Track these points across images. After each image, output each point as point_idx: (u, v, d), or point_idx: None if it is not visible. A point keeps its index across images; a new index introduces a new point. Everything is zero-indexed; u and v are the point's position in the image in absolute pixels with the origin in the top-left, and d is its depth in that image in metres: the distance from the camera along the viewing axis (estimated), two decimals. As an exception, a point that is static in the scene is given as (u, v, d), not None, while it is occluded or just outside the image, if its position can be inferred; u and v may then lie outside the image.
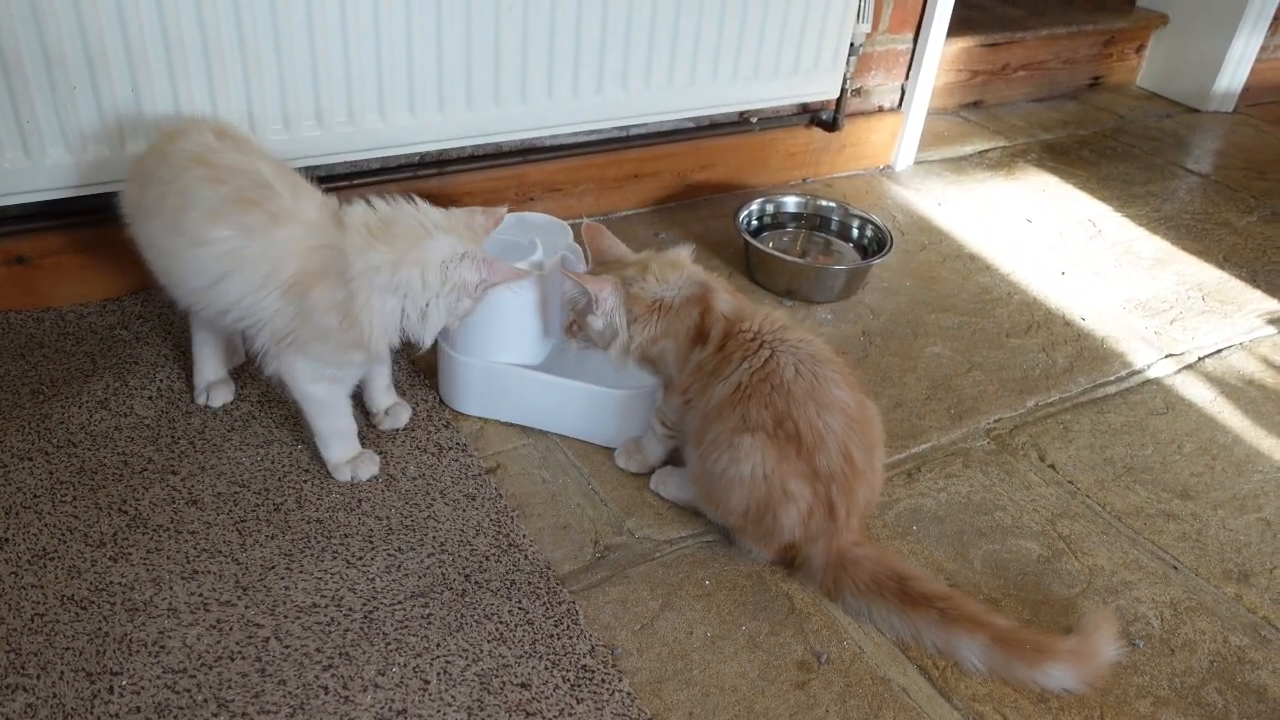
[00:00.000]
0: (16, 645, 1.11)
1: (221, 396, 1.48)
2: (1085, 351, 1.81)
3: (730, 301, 1.35)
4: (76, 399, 1.47)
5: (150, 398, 1.49)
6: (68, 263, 1.63)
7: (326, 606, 1.19)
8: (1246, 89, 3.05)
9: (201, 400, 1.47)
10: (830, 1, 2.01)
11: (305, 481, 1.37)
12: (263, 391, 1.52)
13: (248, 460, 1.39)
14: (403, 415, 1.48)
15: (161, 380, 1.52)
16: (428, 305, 1.25)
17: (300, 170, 1.32)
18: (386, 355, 1.36)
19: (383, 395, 1.47)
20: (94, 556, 1.23)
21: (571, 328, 1.39)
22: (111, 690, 1.07)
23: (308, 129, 1.64)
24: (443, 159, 1.91)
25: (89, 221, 1.62)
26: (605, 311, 1.35)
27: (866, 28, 2.13)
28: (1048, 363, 1.77)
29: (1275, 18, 2.95)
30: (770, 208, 2.07)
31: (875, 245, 1.97)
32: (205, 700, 1.07)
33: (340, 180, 1.81)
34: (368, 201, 1.26)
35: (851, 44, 2.12)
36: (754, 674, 1.16)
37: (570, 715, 1.09)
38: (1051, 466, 1.53)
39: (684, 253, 1.39)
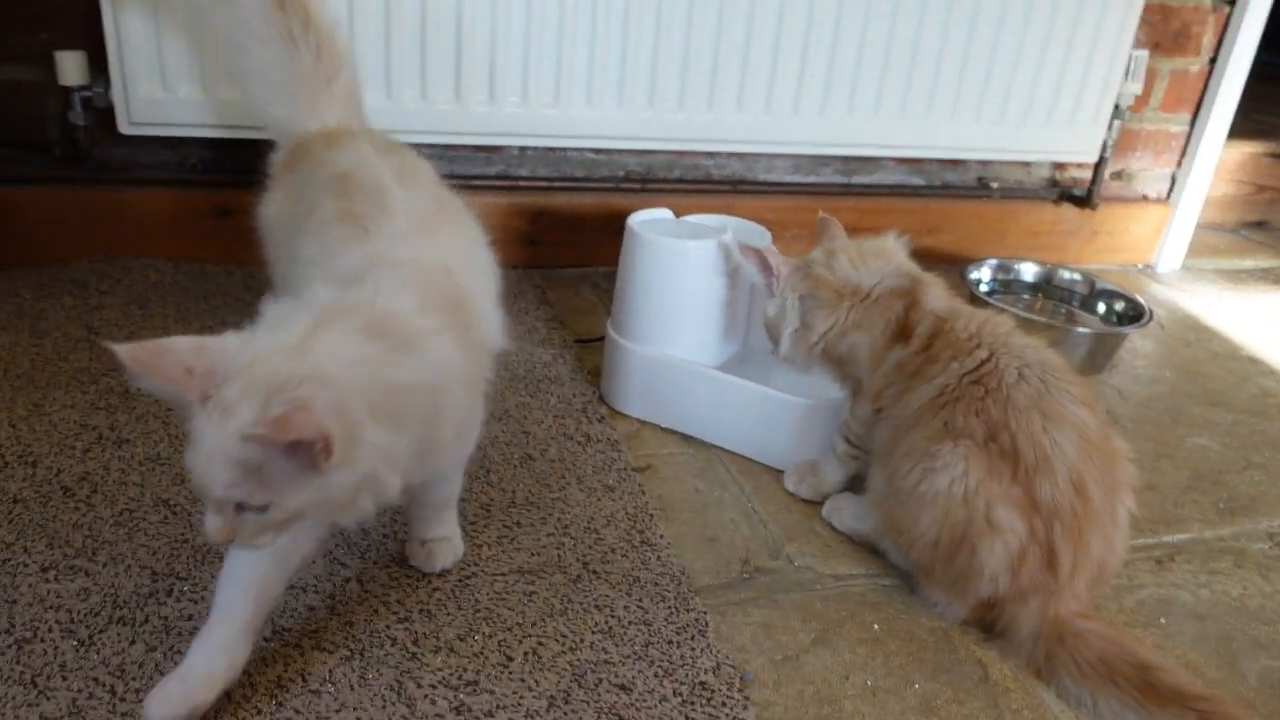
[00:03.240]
0: (97, 533, 1.01)
1: None
2: None
3: (944, 299, 1.13)
4: (238, 336, 1.43)
5: (307, 348, 1.42)
6: (267, 221, 1.64)
7: (421, 562, 1.03)
8: None
9: None
10: (1094, 50, 1.79)
11: (436, 444, 1.23)
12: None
13: (384, 416, 1.28)
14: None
15: (323, 335, 1.46)
16: None
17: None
18: None
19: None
20: (202, 470, 1.13)
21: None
22: (170, 593, 0.95)
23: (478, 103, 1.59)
24: (647, 178, 1.82)
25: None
26: (780, 291, 1.17)
27: (1136, 89, 1.88)
28: (1355, 476, 1.39)
29: None
30: (1004, 274, 1.82)
31: (1128, 322, 1.67)
32: (263, 623, 0.92)
33: (541, 189, 1.75)
34: None
35: (1117, 105, 1.88)
36: (924, 741, 0.88)
37: (674, 733, 0.85)
38: (1363, 586, 1.15)
39: (893, 242, 1.19)
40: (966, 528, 0.97)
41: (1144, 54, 1.88)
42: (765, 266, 1.20)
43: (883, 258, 1.16)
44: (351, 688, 0.86)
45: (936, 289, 1.14)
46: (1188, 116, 2.06)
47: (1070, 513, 0.96)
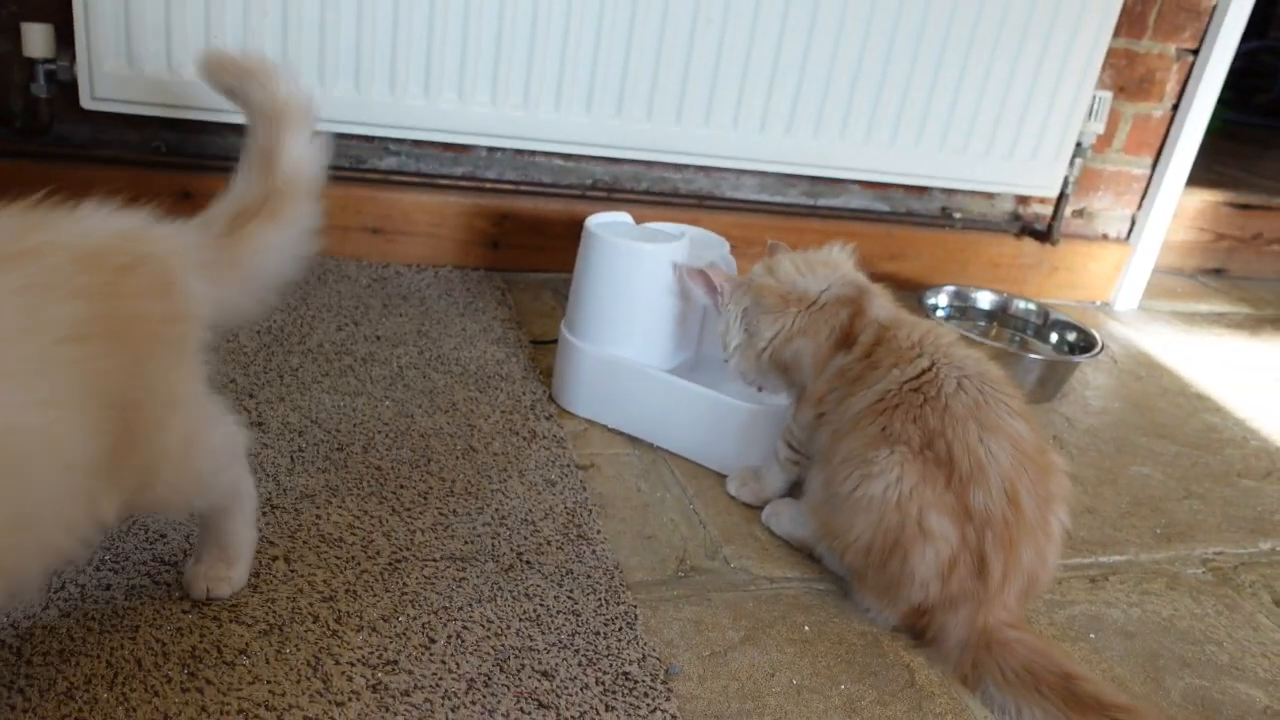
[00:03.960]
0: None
1: None
2: (1345, 512, 1.43)
3: (889, 309, 1.14)
4: (188, 317, 1.42)
5: (259, 332, 1.41)
6: (229, 207, 1.63)
7: (351, 544, 1.01)
8: None
9: None
10: (1059, 88, 1.82)
11: (380, 432, 1.22)
12: (370, 351, 1.41)
13: (330, 403, 1.27)
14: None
15: (278, 320, 1.45)
16: None
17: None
18: None
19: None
20: (137, 443, 1.12)
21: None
22: (90, 562, 0.93)
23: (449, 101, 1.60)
24: (614, 188, 1.83)
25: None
26: (724, 307, 1.18)
27: (1099, 128, 1.92)
28: (1293, 511, 1.41)
29: None
30: (961, 301, 1.84)
31: (1080, 353, 1.69)
32: (180, 596, 0.90)
33: (507, 192, 1.76)
34: None
35: (1079, 143, 1.91)
36: (844, 741, 0.87)
37: (593, 719, 0.84)
38: (1292, 615, 1.16)
39: (840, 252, 1.20)
40: (899, 533, 0.97)
41: (1108, 95, 1.92)
42: (710, 287, 1.22)
43: (829, 266, 1.17)
44: (267, 661, 0.85)
45: (881, 298, 1.15)
46: (1149, 160, 2.10)
47: (1002, 522, 0.96)
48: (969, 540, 0.97)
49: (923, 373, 1.04)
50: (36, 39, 1.42)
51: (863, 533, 1.00)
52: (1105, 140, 2.04)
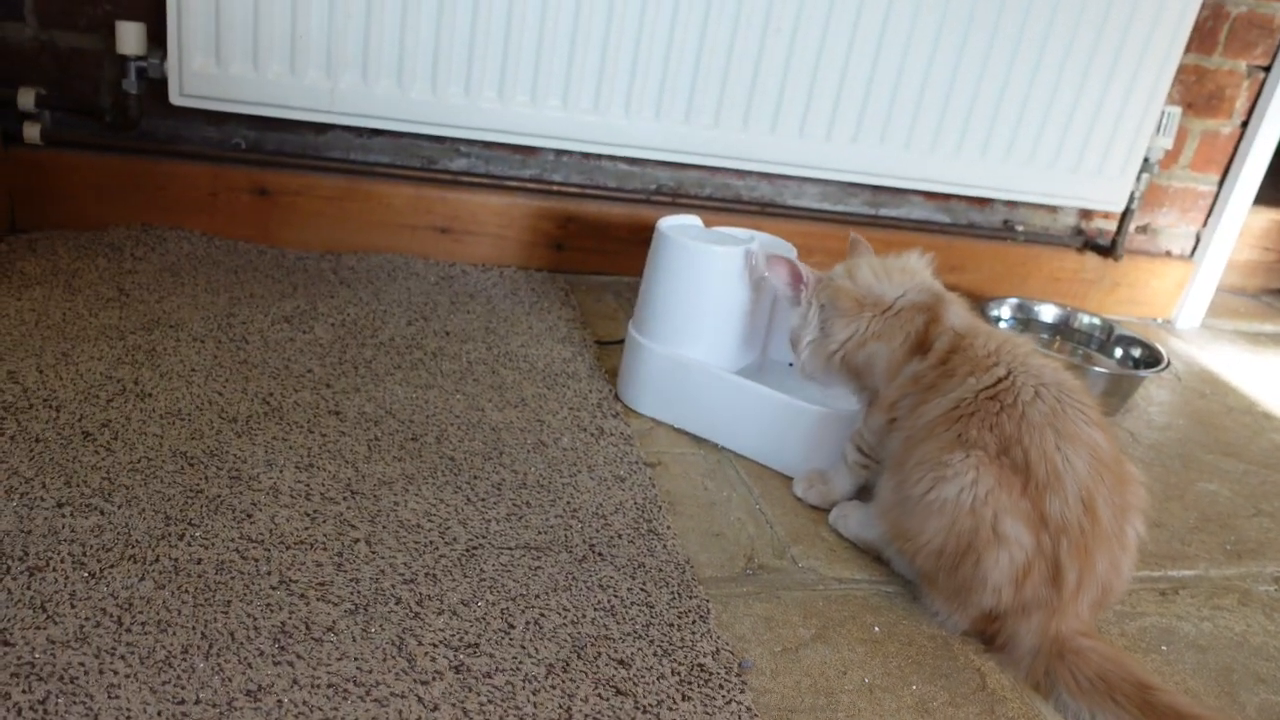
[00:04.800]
0: (114, 476, 1.03)
1: None
2: None
3: (965, 317, 1.14)
4: (264, 309, 1.45)
5: (334, 325, 1.45)
6: (304, 205, 1.67)
7: (429, 530, 1.04)
8: None
9: None
10: (1127, 102, 1.81)
11: (452, 424, 1.25)
12: (439, 346, 1.44)
13: (404, 394, 1.30)
14: None
15: (351, 315, 1.49)
16: None
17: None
18: None
19: None
20: (220, 428, 1.15)
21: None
22: (181, 537, 0.96)
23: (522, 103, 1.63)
24: (678, 193, 1.85)
25: (338, 169, 1.67)
26: (804, 300, 1.19)
27: (1167, 144, 1.90)
28: (1366, 533, 1.38)
29: None
30: (1024, 314, 1.84)
31: (1144, 368, 1.68)
32: (268, 573, 0.93)
33: (573, 195, 1.78)
34: None
35: (1146, 158, 1.90)
36: (918, 740, 0.88)
37: (670, 709, 0.85)
38: (1368, 636, 1.14)
39: (918, 259, 1.21)
40: (973, 537, 0.98)
41: (1177, 110, 1.91)
42: (795, 276, 1.22)
43: (907, 274, 1.18)
44: (354, 639, 0.87)
45: (957, 306, 1.15)
46: (1216, 177, 2.08)
47: (1078, 530, 0.96)
48: (1044, 547, 0.97)
49: (999, 381, 1.04)
50: (130, 36, 1.47)
51: (935, 535, 1.00)
52: (1172, 157, 2.03)
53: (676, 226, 1.37)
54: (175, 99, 1.50)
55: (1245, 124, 2.04)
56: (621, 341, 1.42)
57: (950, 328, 1.12)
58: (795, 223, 1.89)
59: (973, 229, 2.01)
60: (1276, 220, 2.39)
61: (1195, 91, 1.98)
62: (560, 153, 1.76)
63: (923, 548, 1.01)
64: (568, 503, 1.13)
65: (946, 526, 0.99)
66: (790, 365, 1.46)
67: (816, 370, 1.20)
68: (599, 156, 1.78)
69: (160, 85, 1.52)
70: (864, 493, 1.19)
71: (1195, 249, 2.15)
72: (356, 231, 1.70)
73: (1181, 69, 1.92)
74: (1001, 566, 0.97)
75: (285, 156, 1.67)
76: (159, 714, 0.76)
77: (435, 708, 0.81)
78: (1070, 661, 0.95)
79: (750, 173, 1.85)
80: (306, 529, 1.00)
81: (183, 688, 0.79)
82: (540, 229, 1.78)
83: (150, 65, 1.50)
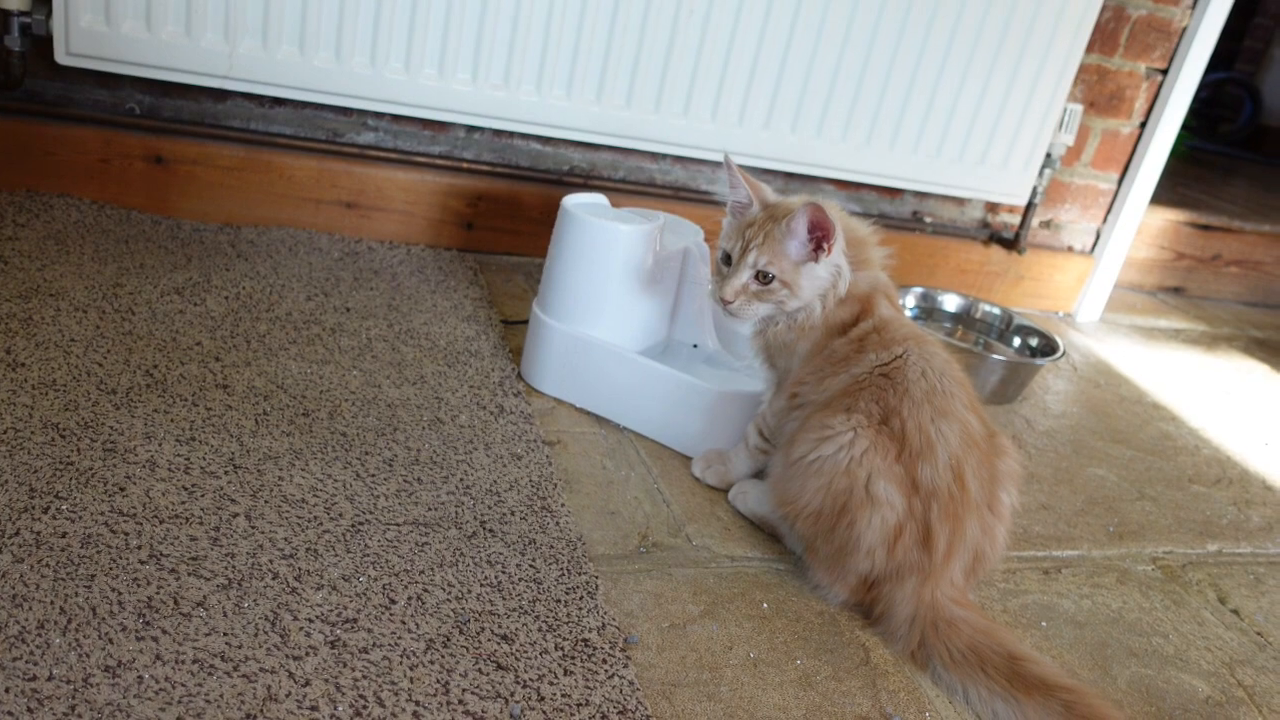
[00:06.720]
0: (-24, 447, 0.98)
1: None
2: (1290, 520, 1.47)
3: (890, 310, 1.15)
4: (154, 280, 1.40)
5: (227, 298, 1.40)
6: (202, 175, 1.61)
7: (314, 505, 1.01)
8: None
9: None
10: (1032, 97, 1.86)
11: (346, 400, 1.22)
12: (338, 322, 1.41)
13: (297, 370, 1.26)
14: None
15: (247, 288, 1.44)
16: None
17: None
18: None
19: None
20: (97, 399, 1.10)
21: (761, 278, 1.09)
22: (45, 510, 0.91)
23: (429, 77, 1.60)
24: (590, 174, 1.83)
25: (238, 139, 1.61)
26: (824, 258, 1.09)
27: (1069, 140, 1.96)
28: (1239, 516, 1.44)
29: None
30: (927, 303, 1.87)
31: (1041, 357, 1.72)
32: (138, 547, 0.89)
33: (483, 173, 1.76)
34: None
35: (1049, 154, 1.95)
36: (799, 713, 0.88)
37: (551, 683, 0.85)
38: (1235, 612, 1.19)
39: (874, 249, 1.18)
40: (848, 498, 0.99)
41: (1078, 108, 1.96)
42: (828, 228, 1.07)
43: (870, 266, 1.17)
44: (225, 614, 0.84)
45: (888, 300, 1.15)
46: (1116, 175, 2.15)
47: (948, 496, 0.99)
48: (915, 510, 0.99)
49: (895, 359, 1.06)
50: (12, -9, 1.40)
51: (813, 497, 1.01)
52: (1074, 153, 2.08)
53: (582, 204, 1.36)
54: (61, 58, 1.43)
55: (1144, 125, 2.10)
56: (527, 321, 1.41)
57: (878, 315, 1.12)
58: (709, 208, 1.89)
59: (883, 220, 2.02)
60: (1172, 220, 2.48)
61: (1097, 91, 2.04)
62: (471, 129, 1.74)
63: (802, 510, 1.03)
64: (461, 479, 1.11)
65: (824, 486, 1.00)
66: (695, 346, 1.46)
67: (778, 336, 1.13)
68: (511, 135, 1.76)
69: (46, 43, 1.45)
70: (763, 476, 1.20)
71: (1095, 245, 2.21)
72: (257, 204, 1.65)
73: (1084, 68, 1.98)
74: (874, 528, 0.99)
75: (182, 124, 1.61)
76: (6, 690, 0.73)
77: (306, 683, 0.79)
78: (944, 633, 0.97)
79: (664, 156, 1.84)
80: (183, 503, 0.97)
81: (35, 664, 0.75)
82: (450, 207, 1.75)
83: (35, 21, 1.43)
